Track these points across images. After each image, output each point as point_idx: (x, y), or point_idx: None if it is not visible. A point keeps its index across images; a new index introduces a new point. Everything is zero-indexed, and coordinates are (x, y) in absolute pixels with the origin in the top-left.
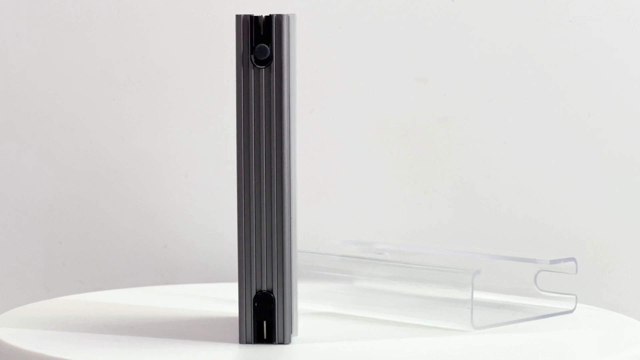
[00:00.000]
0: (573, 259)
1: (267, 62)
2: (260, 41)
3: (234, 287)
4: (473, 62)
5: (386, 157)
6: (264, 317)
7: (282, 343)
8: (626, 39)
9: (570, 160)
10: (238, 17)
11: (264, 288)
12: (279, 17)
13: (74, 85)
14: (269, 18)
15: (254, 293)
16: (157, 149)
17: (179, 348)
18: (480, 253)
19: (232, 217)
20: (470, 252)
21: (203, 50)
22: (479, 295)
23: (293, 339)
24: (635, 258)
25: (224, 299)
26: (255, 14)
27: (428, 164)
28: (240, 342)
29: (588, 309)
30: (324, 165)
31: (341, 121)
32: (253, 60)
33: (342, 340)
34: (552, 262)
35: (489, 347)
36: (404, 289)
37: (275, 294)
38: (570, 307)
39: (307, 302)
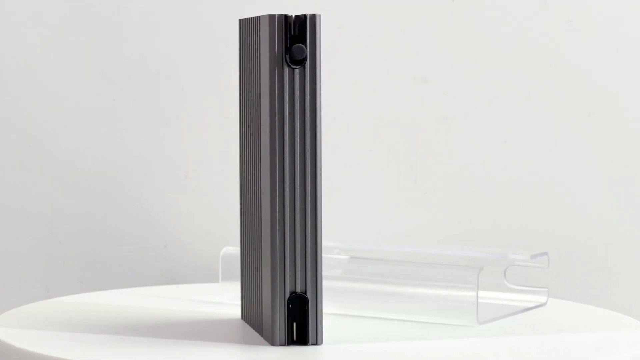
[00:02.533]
0: (546, 254)
1: (302, 62)
2: (293, 41)
3: (230, 287)
4: (473, 62)
5: (386, 157)
6: (297, 318)
7: (315, 344)
8: (626, 38)
9: (570, 160)
10: (272, 16)
11: (297, 289)
12: (313, 17)
13: (74, 85)
14: (299, 17)
15: (287, 295)
16: (157, 149)
17: (191, 349)
18: (454, 250)
19: (232, 217)
20: (441, 249)
21: (203, 50)
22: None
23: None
24: (638, 258)
25: (225, 300)
26: (287, 14)
27: (428, 164)
28: (274, 344)
29: (590, 310)
30: (324, 166)
31: (341, 121)
32: (288, 60)
33: (370, 342)
34: (533, 257)
35: (511, 349)
36: (409, 287)
37: (308, 295)
38: (543, 300)
39: None
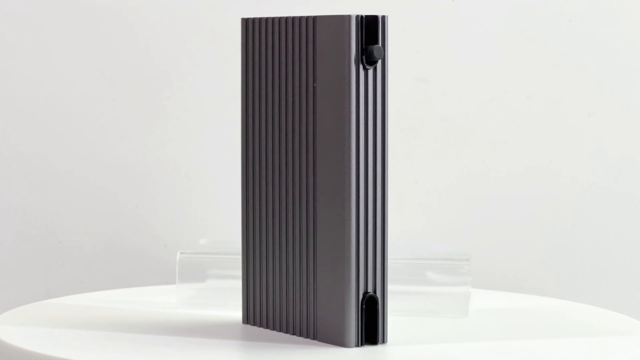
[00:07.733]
0: (466, 249)
1: (375, 63)
2: (368, 42)
3: (227, 285)
4: (473, 62)
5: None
6: (368, 318)
7: (383, 343)
8: (626, 38)
9: (570, 160)
10: (348, 17)
11: (369, 290)
12: (384, 18)
13: (74, 85)
14: (368, 17)
15: (361, 296)
16: (157, 149)
17: (198, 351)
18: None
19: (232, 217)
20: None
21: (203, 50)
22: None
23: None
24: (637, 258)
25: (179, 302)
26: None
27: (428, 164)
28: (347, 345)
29: (590, 310)
30: None
31: None
32: (364, 61)
33: (430, 342)
34: (457, 251)
35: (512, 349)
36: (403, 282)
37: (378, 295)
38: (467, 292)
39: None
